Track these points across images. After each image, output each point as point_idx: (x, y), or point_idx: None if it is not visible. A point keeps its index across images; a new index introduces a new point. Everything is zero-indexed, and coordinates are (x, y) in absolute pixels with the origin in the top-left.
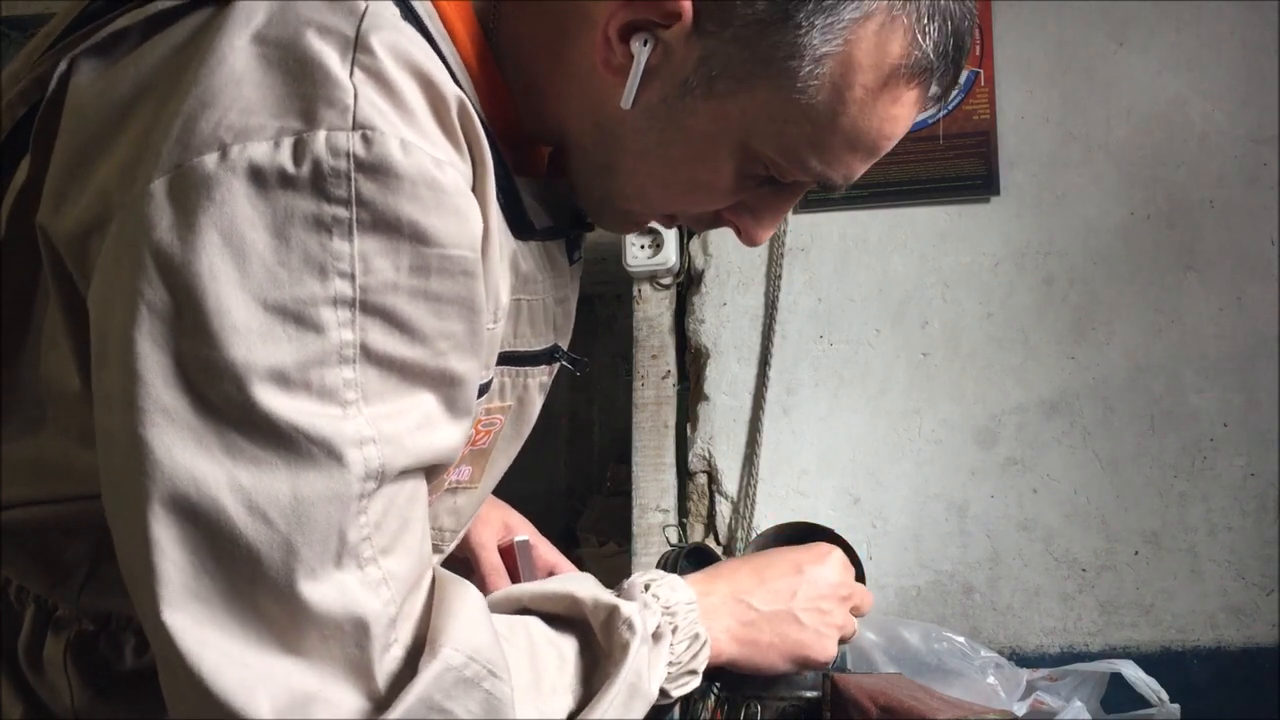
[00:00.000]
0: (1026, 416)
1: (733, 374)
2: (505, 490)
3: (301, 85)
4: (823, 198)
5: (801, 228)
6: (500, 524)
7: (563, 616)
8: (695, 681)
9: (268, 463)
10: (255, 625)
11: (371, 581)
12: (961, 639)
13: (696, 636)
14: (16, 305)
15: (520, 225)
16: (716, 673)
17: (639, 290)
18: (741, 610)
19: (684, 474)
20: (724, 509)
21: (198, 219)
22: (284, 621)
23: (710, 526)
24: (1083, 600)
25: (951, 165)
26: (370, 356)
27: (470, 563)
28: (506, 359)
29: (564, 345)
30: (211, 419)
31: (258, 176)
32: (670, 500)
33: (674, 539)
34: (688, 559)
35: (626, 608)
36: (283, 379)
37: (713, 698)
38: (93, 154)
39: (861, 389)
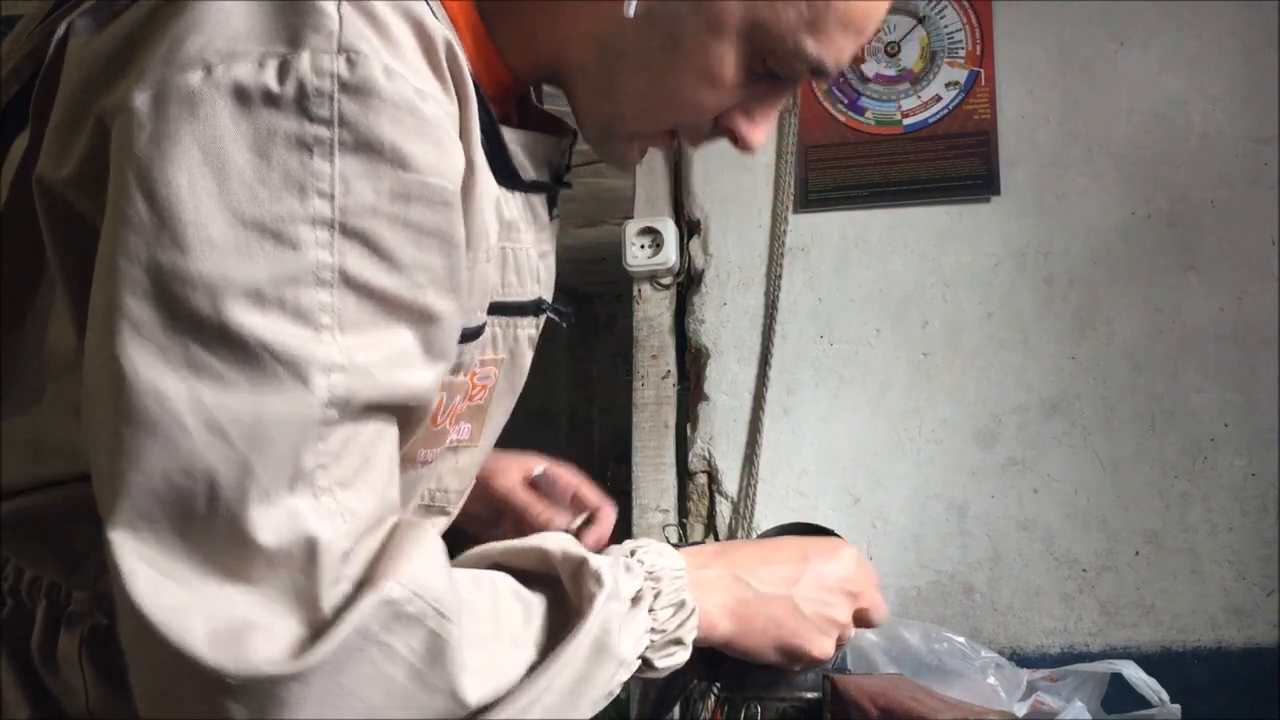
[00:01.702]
0: (1027, 416)
1: (733, 374)
2: None
3: (288, 15)
4: (823, 197)
5: (801, 228)
6: (516, 467)
7: (534, 572)
8: (683, 654)
9: (232, 381)
10: (202, 549)
11: (325, 511)
12: (962, 639)
13: (683, 604)
14: (18, 277)
15: (505, 173)
16: (717, 672)
17: (639, 290)
18: (739, 588)
19: (684, 474)
20: (724, 509)
21: (179, 133)
22: (232, 546)
23: (710, 526)
24: (1083, 600)
25: (951, 165)
26: (348, 282)
27: (502, 509)
28: (496, 309)
29: (548, 299)
30: (180, 334)
31: (241, 95)
32: (670, 500)
33: (674, 539)
34: None
35: (595, 561)
36: (257, 296)
37: (713, 698)
38: (90, 100)
39: (861, 389)
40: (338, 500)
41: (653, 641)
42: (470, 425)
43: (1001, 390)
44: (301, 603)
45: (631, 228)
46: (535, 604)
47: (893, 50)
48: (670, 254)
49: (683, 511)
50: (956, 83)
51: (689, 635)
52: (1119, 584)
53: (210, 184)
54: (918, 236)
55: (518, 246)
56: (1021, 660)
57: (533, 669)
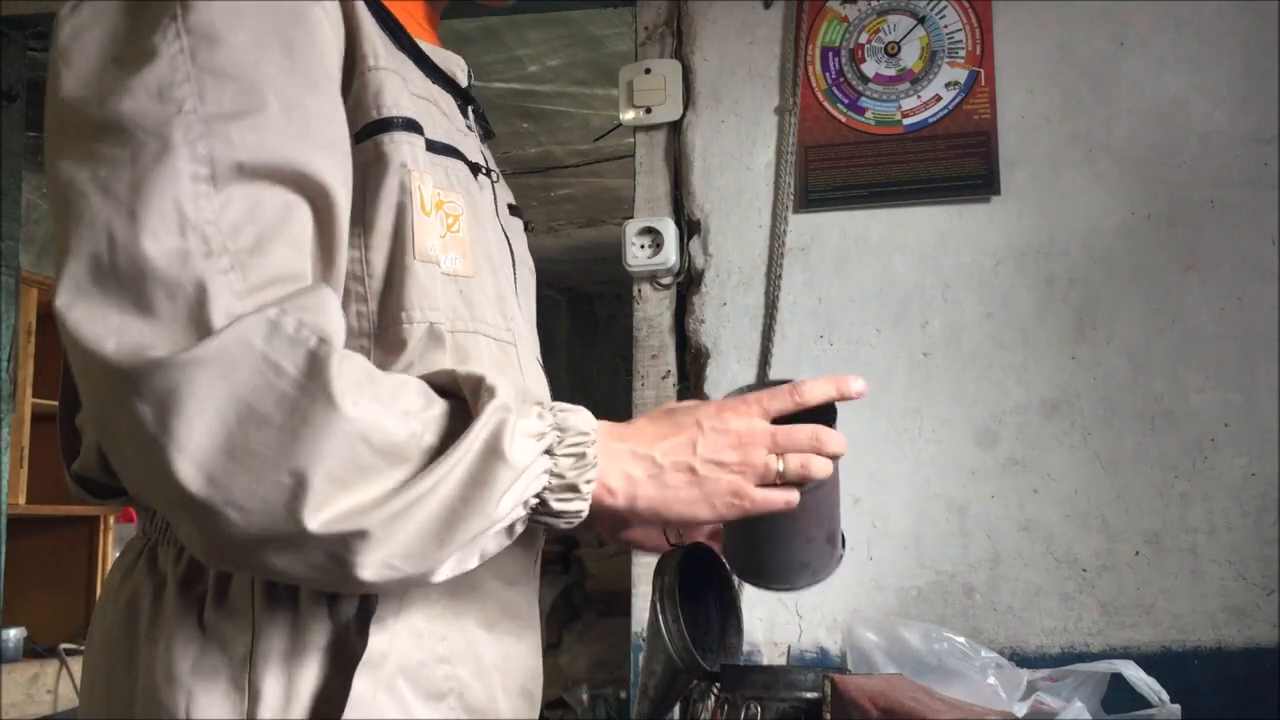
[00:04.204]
0: (1027, 416)
1: (733, 374)
2: None
3: None
4: (823, 197)
5: (801, 228)
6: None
7: (443, 387)
8: (579, 503)
9: (117, 158)
10: (114, 288)
11: (216, 264)
12: (962, 640)
13: (583, 456)
14: None
15: (400, 39)
16: (718, 673)
17: (639, 290)
18: (646, 465)
19: None
20: None
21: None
22: (135, 282)
23: None
24: (1083, 600)
25: (951, 165)
26: (201, 69)
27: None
28: (438, 147)
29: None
30: (83, 138)
31: None
32: None
33: (674, 539)
34: (688, 558)
35: (492, 378)
36: (129, 93)
37: (713, 698)
38: None
39: None
40: (231, 256)
41: (549, 484)
42: (459, 256)
43: (1001, 390)
44: (196, 325)
45: (631, 228)
46: (438, 401)
47: (893, 50)
48: (670, 254)
49: None
50: (956, 83)
51: (585, 486)
52: (1119, 584)
53: (96, 32)
54: (918, 236)
55: (435, 109)
56: (1021, 660)
57: (428, 459)
